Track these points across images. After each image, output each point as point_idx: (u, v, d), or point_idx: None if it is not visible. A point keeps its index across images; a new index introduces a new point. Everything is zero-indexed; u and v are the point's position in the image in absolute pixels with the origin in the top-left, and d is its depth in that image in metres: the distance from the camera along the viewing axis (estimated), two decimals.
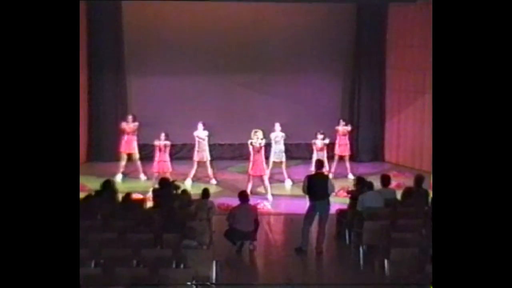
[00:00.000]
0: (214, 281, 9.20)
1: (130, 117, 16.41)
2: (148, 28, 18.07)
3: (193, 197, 12.25)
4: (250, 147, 14.92)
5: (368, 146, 18.98)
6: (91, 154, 18.48)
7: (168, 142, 15.32)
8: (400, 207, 11.50)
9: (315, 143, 16.14)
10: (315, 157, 15.28)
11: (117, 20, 18.07)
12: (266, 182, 14.90)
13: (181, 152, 17.99)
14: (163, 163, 15.23)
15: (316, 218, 11.52)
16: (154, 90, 18.29)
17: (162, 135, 15.26)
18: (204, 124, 15.98)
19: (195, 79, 18.34)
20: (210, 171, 16.15)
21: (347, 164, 16.85)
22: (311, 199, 11.50)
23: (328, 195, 11.52)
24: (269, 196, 14.76)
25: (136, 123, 16.33)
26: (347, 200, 12.44)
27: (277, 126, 16.00)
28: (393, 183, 13.02)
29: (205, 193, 12.06)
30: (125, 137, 16.38)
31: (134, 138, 16.38)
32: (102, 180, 12.35)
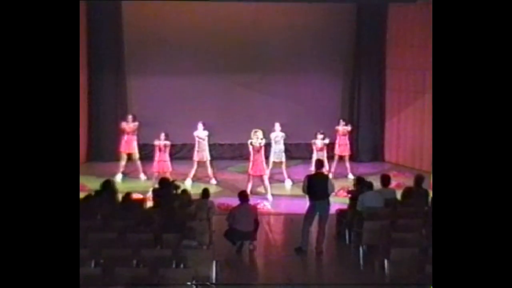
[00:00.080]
0: (214, 281, 9.20)
1: (130, 117, 16.42)
2: (148, 28, 18.07)
3: (193, 197, 12.24)
4: (250, 147, 14.92)
5: (368, 146, 18.99)
6: (91, 154, 18.48)
7: (168, 142, 15.32)
8: (400, 207, 11.50)
9: (315, 143, 16.15)
10: (315, 157, 15.29)
11: (117, 20, 18.07)
12: (266, 182, 14.90)
13: (181, 152, 17.99)
14: (163, 163, 15.23)
15: (316, 218, 11.52)
16: (154, 90, 18.29)
17: (162, 135, 15.26)
18: (204, 124, 15.98)
19: (195, 79, 18.34)
20: (210, 171, 16.16)
21: (347, 164, 16.85)
22: (311, 199, 11.50)
23: (328, 195, 11.51)
24: (269, 196, 14.76)
25: (136, 123, 16.34)
26: (347, 200, 12.44)
27: (277, 126, 16.00)
28: (393, 183, 13.02)
29: (205, 193, 12.07)
30: (125, 137, 16.38)
31: (134, 138, 16.39)
32: (102, 180, 12.35)
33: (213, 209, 11.92)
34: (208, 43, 18.13)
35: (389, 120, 18.85)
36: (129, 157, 16.49)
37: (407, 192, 12.07)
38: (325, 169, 15.11)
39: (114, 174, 15.90)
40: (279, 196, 15.11)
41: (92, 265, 8.99)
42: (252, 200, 12.49)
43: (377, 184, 12.11)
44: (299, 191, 13.11)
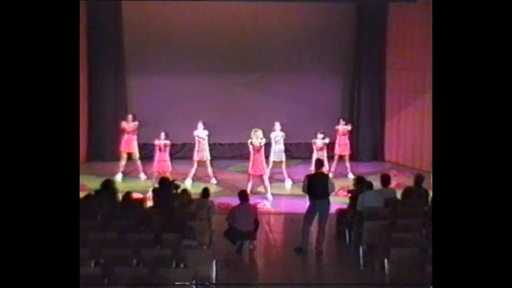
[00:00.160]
0: (214, 280, 9.20)
1: (130, 117, 16.42)
2: (148, 28, 18.07)
3: (193, 197, 12.24)
4: (250, 147, 14.92)
5: (368, 146, 19.00)
6: (91, 153, 18.49)
7: (168, 142, 15.33)
8: (400, 206, 11.50)
9: (315, 143, 16.15)
10: (315, 156, 15.30)
11: (117, 20, 18.08)
12: (266, 181, 14.91)
13: (181, 152, 18.01)
14: (163, 162, 15.24)
15: (316, 217, 11.52)
16: (154, 89, 18.29)
17: (162, 135, 15.27)
18: (204, 124, 15.98)
19: (195, 79, 18.35)
20: (210, 170, 16.16)
21: (347, 163, 16.85)
22: (311, 199, 11.50)
23: (328, 195, 11.51)
24: (269, 196, 14.76)
25: (136, 123, 16.34)
26: (347, 200, 12.44)
27: (277, 126, 16.00)
28: (393, 183, 13.01)
29: (205, 192, 12.07)
30: (125, 137, 16.38)
31: (134, 137, 16.39)
32: (102, 179, 12.35)
33: (213, 208, 11.93)
34: (208, 43, 18.14)
35: (389, 120, 18.86)
36: (129, 156, 16.49)
37: (407, 192, 12.07)
38: (325, 168, 15.11)
39: (114, 173, 15.91)
40: (279, 196, 15.11)
41: (92, 264, 8.98)
42: (252, 200, 12.50)
43: (377, 183, 12.11)
44: (299, 190, 13.12)
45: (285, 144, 16.09)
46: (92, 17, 17.94)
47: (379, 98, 18.92)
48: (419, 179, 12.07)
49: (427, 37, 14.98)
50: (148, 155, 16.52)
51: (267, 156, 15.54)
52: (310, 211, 11.50)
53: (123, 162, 16.42)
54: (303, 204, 12.14)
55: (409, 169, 17.09)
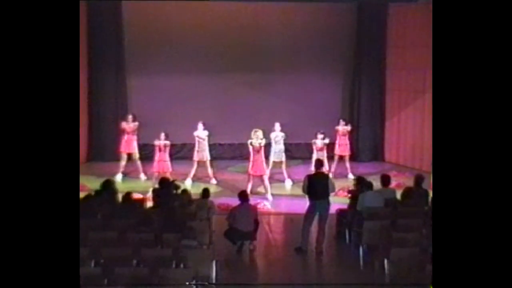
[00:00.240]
0: (214, 281, 9.20)
1: (130, 117, 16.42)
2: (148, 28, 18.09)
3: (193, 197, 12.24)
4: (250, 147, 14.92)
5: (368, 146, 19.01)
6: (91, 154, 18.51)
7: (168, 142, 15.33)
8: (400, 207, 11.50)
9: (315, 143, 16.15)
10: (315, 157, 15.29)
11: (117, 20, 18.10)
12: (266, 182, 14.91)
13: (181, 152, 18.02)
14: (163, 162, 15.24)
15: (316, 218, 11.52)
16: (154, 90, 18.31)
17: (162, 135, 15.27)
18: (204, 124, 15.98)
19: (195, 79, 18.37)
20: (210, 171, 16.16)
21: (347, 164, 16.86)
22: (311, 199, 11.50)
23: (328, 195, 11.51)
24: (269, 196, 14.76)
25: (136, 123, 16.34)
26: (347, 200, 12.43)
27: (277, 126, 16.00)
28: (393, 183, 13.01)
29: (205, 193, 12.07)
30: (125, 137, 16.39)
31: (134, 138, 16.39)
32: (102, 180, 12.34)
33: (213, 209, 11.93)
34: (208, 43, 18.15)
35: (389, 120, 18.87)
36: (129, 157, 16.50)
37: (407, 192, 12.07)
38: (325, 169, 15.11)
39: (114, 174, 15.92)
40: (279, 196, 15.11)
41: (92, 264, 8.99)
42: (252, 200, 12.50)
43: (377, 184, 12.11)
44: (299, 191, 13.11)
45: (285, 144, 16.09)
46: (92, 17, 17.96)
47: (379, 98, 18.93)
48: (419, 179, 12.07)
49: (427, 37, 14.94)
50: (148, 156, 16.52)
51: (267, 157, 15.55)
52: (310, 211, 11.50)
53: (123, 162, 16.42)
54: (303, 204, 12.14)
55: (409, 169, 17.11)
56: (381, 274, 9.32)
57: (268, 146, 15.64)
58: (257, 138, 14.80)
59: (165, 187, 12.10)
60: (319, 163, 12.44)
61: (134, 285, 8.42)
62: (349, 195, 12.48)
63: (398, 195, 12.01)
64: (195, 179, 16.02)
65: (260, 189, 15.11)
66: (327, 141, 16.20)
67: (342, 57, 18.95)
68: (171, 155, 15.68)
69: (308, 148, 16.85)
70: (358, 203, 11.34)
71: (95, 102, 18.41)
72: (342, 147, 16.86)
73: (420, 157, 17.55)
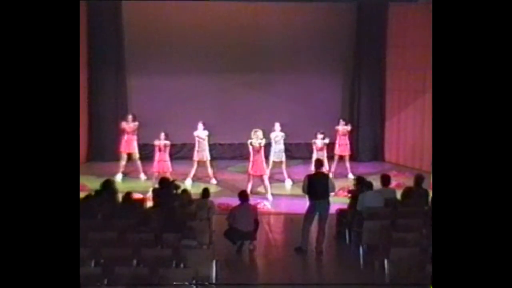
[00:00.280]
0: (214, 280, 9.19)
1: (130, 117, 16.42)
2: (148, 28, 18.09)
3: (193, 197, 12.24)
4: (250, 147, 14.92)
5: (368, 146, 19.01)
6: (91, 154, 18.52)
7: (168, 142, 15.32)
8: (400, 206, 11.50)
9: (315, 143, 16.15)
10: (315, 156, 15.29)
11: (117, 20, 18.10)
12: (266, 182, 14.90)
13: (181, 152, 18.02)
14: (163, 162, 15.24)
15: (316, 217, 11.52)
16: (154, 90, 18.32)
17: (162, 135, 15.27)
18: (204, 124, 15.98)
19: (195, 79, 18.37)
20: (210, 170, 16.16)
21: (347, 164, 16.86)
22: (311, 199, 11.49)
23: (328, 195, 11.51)
24: (269, 196, 14.76)
25: (136, 123, 16.34)
26: (347, 200, 12.44)
27: (277, 126, 16.00)
28: (393, 183, 13.02)
29: (205, 192, 12.07)
30: (125, 137, 16.39)
31: (134, 137, 16.39)
32: (102, 179, 12.34)
33: (213, 209, 11.93)
34: (208, 43, 18.16)
35: (389, 120, 18.87)
36: (129, 157, 16.50)
37: (407, 192, 12.07)
38: (325, 169, 15.11)
39: (114, 174, 15.92)
40: (279, 196, 15.11)
41: (92, 264, 8.99)
42: (252, 200, 12.50)
43: (377, 184, 12.11)
44: (299, 191, 13.11)
45: (285, 144, 16.09)
46: (92, 17, 17.96)
47: (379, 98, 18.93)
48: (419, 179, 12.07)
49: (427, 37, 14.93)
50: (148, 156, 16.52)
51: (267, 156, 15.55)
52: (310, 211, 11.50)
53: (123, 162, 16.42)
54: (303, 204, 12.14)
55: (409, 169, 17.11)
56: (381, 274, 9.32)
57: (268, 146, 15.64)
58: (257, 138, 14.80)
59: (165, 187, 12.10)
60: (319, 163, 12.44)
61: (134, 285, 8.42)
62: (349, 195, 12.49)
63: (398, 195, 12.02)
64: (195, 179, 16.03)
65: (260, 189, 15.11)
66: (327, 141, 16.20)
67: (342, 57, 18.96)
68: (171, 155, 15.68)
69: (308, 148, 16.86)
70: (358, 203, 11.34)
71: (95, 102, 18.41)
72: (342, 147, 16.86)
73: (420, 157, 17.55)
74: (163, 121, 17.00)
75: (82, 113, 16.12)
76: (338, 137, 16.89)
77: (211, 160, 16.27)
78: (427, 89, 16.59)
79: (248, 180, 14.90)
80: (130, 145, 16.39)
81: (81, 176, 10.18)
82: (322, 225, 11.42)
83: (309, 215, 11.51)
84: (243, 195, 11.57)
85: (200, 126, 15.92)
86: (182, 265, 9.13)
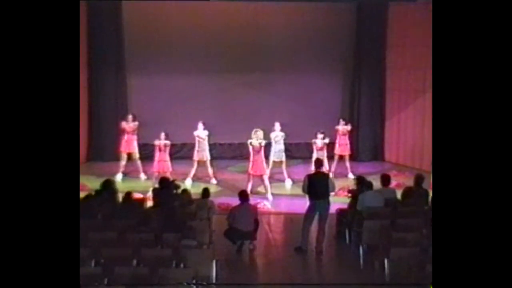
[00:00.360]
0: (214, 280, 9.19)
1: (130, 117, 16.42)
2: (148, 28, 18.09)
3: (193, 197, 12.25)
4: (250, 147, 14.91)
5: (368, 146, 19.01)
6: (91, 153, 18.52)
7: (168, 142, 15.33)
8: (400, 206, 11.50)
9: (315, 143, 16.15)
10: (315, 156, 15.28)
11: (117, 20, 18.10)
12: (266, 181, 14.90)
13: (181, 152, 18.02)
14: (163, 162, 15.24)
15: (316, 217, 11.52)
16: (154, 89, 18.32)
17: (162, 135, 15.27)
18: (204, 124, 15.99)
19: (195, 79, 18.37)
20: (210, 170, 16.16)
21: (347, 163, 16.86)
22: (311, 199, 11.49)
23: (328, 195, 11.51)
24: (269, 196, 14.76)
25: (136, 123, 16.34)
26: (347, 200, 12.44)
27: (277, 126, 16.00)
28: (393, 183, 13.02)
29: (205, 192, 12.07)
30: (125, 137, 16.39)
31: (134, 137, 16.39)
32: (102, 179, 12.34)
33: (213, 208, 11.93)
34: (208, 43, 18.16)
35: (389, 120, 18.87)
36: (129, 156, 16.50)
37: (407, 191, 12.07)
38: (325, 168, 15.12)
39: (114, 173, 15.92)
40: (279, 196, 15.11)
41: (93, 264, 8.99)
42: (252, 200, 12.49)
43: (377, 183, 12.11)
44: (299, 190, 13.11)
45: (285, 144, 16.09)
46: (92, 17, 17.96)
47: (379, 98, 18.93)
48: (419, 179, 12.07)
49: (427, 37, 14.91)
50: (148, 155, 16.52)
51: (267, 156, 15.55)
52: (310, 211, 11.50)
53: (123, 162, 16.43)
54: (303, 204, 12.14)
55: (409, 169, 17.10)
56: (381, 274, 9.33)
57: (268, 145, 15.63)
58: (257, 138, 14.80)
59: (165, 187, 12.10)
60: (319, 162, 12.44)
61: (134, 285, 8.42)
62: (349, 194, 12.48)
63: (398, 195, 12.01)
64: (195, 178, 16.03)
65: (260, 189, 15.12)
66: (327, 140, 16.20)
67: (342, 57, 18.95)
68: (171, 155, 15.68)
69: (308, 148, 16.85)
70: (358, 203, 11.34)
71: (95, 102, 18.41)
72: (342, 147, 16.87)
73: (420, 156, 17.55)
74: (163, 121, 17.00)
75: (82, 113, 16.13)
76: (338, 137, 16.89)
77: (211, 160, 16.27)
78: (427, 89, 16.59)
79: (248, 180, 14.90)
80: (130, 145, 16.39)
81: (81, 176, 10.21)
82: (322, 225, 11.42)
83: (309, 214, 11.51)
84: (243, 195, 11.57)
85: (200, 126, 15.93)
86: (182, 265, 9.13)
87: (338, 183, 14.18)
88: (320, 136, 16.11)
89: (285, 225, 13.47)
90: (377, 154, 19.06)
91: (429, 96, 15.85)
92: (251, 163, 14.88)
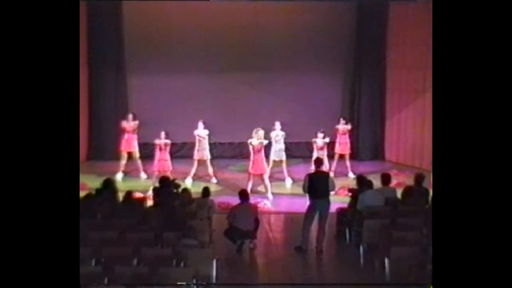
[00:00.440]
0: (214, 280, 9.20)
1: (130, 116, 16.43)
2: (148, 27, 18.09)
3: (194, 196, 12.26)
4: (250, 147, 14.91)
5: (368, 145, 19.01)
6: (91, 153, 18.52)
7: (168, 141, 15.34)
8: (401, 205, 11.50)
9: (315, 142, 16.15)
10: (315, 155, 15.29)
11: (117, 19, 18.10)
12: (267, 181, 14.91)
13: (182, 151, 18.02)
14: (163, 161, 15.25)
15: (316, 216, 11.52)
16: (154, 89, 18.31)
17: (163, 134, 15.28)
18: (204, 123, 16.00)
19: (195, 78, 18.37)
20: (210, 169, 16.17)
21: (348, 162, 16.87)
22: (311, 198, 11.50)
23: (328, 194, 11.52)
24: (269, 195, 14.76)
25: (137, 122, 16.35)
26: (348, 199, 12.44)
27: (278, 125, 16.02)
28: (394, 182, 13.02)
29: (206, 191, 12.08)
30: (126, 136, 16.39)
31: (135, 136, 16.40)
32: (102, 178, 12.35)
33: (214, 208, 11.93)
34: (208, 42, 18.16)
35: (389, 119, 18.87)
36: (130, 156, 16.51)
37: (407, 191, 12.07)
38: (325, 167, 15.12)
39: (115, 173, 15.93)
40: (279, 195, 15.12)
41: (93, 263, 8.99)
42: (252, 199, 12.51)
43: (377, 182, 12.10)
44: (299, 190, 13.12)
45: (285, 143, 16.10)
46: (92, 17, 17.96)
47: (379, 97, 18.93)
48: (419, 178, 12.07)
49: (427, 36, 14.90)
50: (149, 154, 16.52)
51: (267, 155, 15.55)
52: (311, 210, 11.50)
53: (123, 161, 16.43)
54: (304, 203, 12.14)
55: (410, 168, 17.10)
56: (381, 273, 9.34)
57: (268, 145, 15.63)
58: (258, 138, 14.80)
59: (166, 186, 12.11)
60: (319, 161, 12.45)
61: (135, 284, 8.42)
62: (350, 194, 12.48)
63: (399, 194, 12.02)
64: (196, 178, 16.04)
65: (261, 188, 15.12)
66: (327, 140, 16.20)
67: (342, 56, 18.95)
68: (171, 154, 15.70)
69: (309, 147, 16.85)
70: (359, 202, 11.34)
71: (95, 101, 18.42)
72: (343, 146, 16.88)
73: (420, 156, 17.55)
74: (163, 120, 17.00)
75: (82, 113, 16.14)
76: (338, 136, 16.90)
77: (211, 159, 16.28)
78: (427, 88, 16.58)
79: (249, 179, 14.90)
80: (130, 144, 16.40)
81: (82, 175, 10.22)
82: (322, 224, 11.43)
83: (309, 214, 11.51)
84: (243, 194, 11.58)
85: (201, 125, 15.94)
86: (182, 264, 9.13)
87: (338, 182, 14.19)
88: (320, 135, 16.11)
89: (285, 224, 13.47)
90: (377, 153, 19.06)
91: (429, 96, 15.84)
92: (251, 162, 14.88)
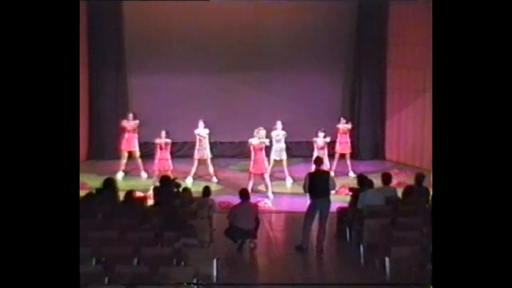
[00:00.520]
0: (214, 279, 9.20)
1: (130, 115, 16.44)
2: (148, 27, 18.09)
3: (194, 195, 12.26)
4: (251, 146, 14.91)
5: (368, 144, 19.01)
6: (92, 152, 18.53)
7: (169, 140, 15.35)
8: (401, 205, 11.51)
9: (316, 141, 16.16)
10: (315, 155, 15.29)
11: (117, 19, 18.10)
12: (267, 180, 14.91)
13: (182, 150, 18.02)
14: (164, 161, 15.26)
15: (317, 216, 11.52)
16: (154, 88, 18.32)
17: (163, 133, 15.29)
18: (205, 122, 16.01)
19: (195, 77, 18.37)
20: (211, 169, 16.17)
21: (348, 162, 16.88)
22: (311, 197, 11.50)
23: (328, 193, 11.52)
24: (270, 194, 14.77)
25: (137, 121, 16.36)
26: (348, 198, 12.45)
27: (278, 124, 16.03)
28: (394, 181, 13.02)
29: (206, 191, 12.08)
30: (126, 135, 16.40)
31: (135, 136, 16.41)
32: (103, 178, 12.36)
33: (214, 207, 11.93)
34: (208, 42, 18.16)
35: (389, 119, 18.87)
36: (130, 155, 16.51)
37: (407, 190, 12.07)
38: (326, 167, 15.12)
39: (115, 172, 15.94)
40: (280, 194, 15.13)
41: (93, 263, 8.99)
42: (253, 198, 12.52)
43: (377, 182, 12.11)
44: (300, 189, 13.13)
45: (286, 142, 16.11)
46: (92, 17, 17.97)
47: (379, 97, 18.93)
48: (419, 178, 12.08)
49: (428, 36, 14.89)
50: (149, 154, 16.53)
51: (268, 155, 15.55)
52: (311, 209, 11.51)
53: (123, 160, 16.44)
54: (304, 202, 12.14)
55: (410, 168, 17.10)
56: (382, 273, 9.34)
57: (269, 144, 15.63)
58: (259, 137, 14.79)
59: (166, 185, 12.11)
60: (319, 160, 12.46)
61: (135, 283, 8.42)
62: (350, 193, 12.49)
63: (399, 194, 12.02)
64: (196, 177, 16.04)
65: (261, 187, 15.12)
66: (328, 139, 16.21)
67: (342, 56, 18.95)
68: (172, 153, 15.71)
69: (309, 147, 16.86)
70: (359, 201, 11.35)
71: (96, 101, 18.43)
72: (343, 145, 16.89)
73: (420, 155, 17.55)
74: (164, 120, 17.01)
75: (82, 112, 16.14)
76: (338, 135, 16.91)
77: (212, 158, 16.28)
78: (427, 88, 16.58)
79: (249, 178, 14.90)
80: (131, 143, 16.40)
81: (82, 174, 10.24)
82: (322, 224, 11.43)
83: (309, 213, 11.51)
84: (244, 193, 11.59)
85: (201, 124, 15.95)
86: (182, 264, 9.14)
87: (339, 182, 14.20)
88: (321, 134, 16.13)
89: (286, 224, 13.48)
90: (377, 152, 19.06)
91: (429, 95, 15.85)
92: (252, 162, 14.89)
